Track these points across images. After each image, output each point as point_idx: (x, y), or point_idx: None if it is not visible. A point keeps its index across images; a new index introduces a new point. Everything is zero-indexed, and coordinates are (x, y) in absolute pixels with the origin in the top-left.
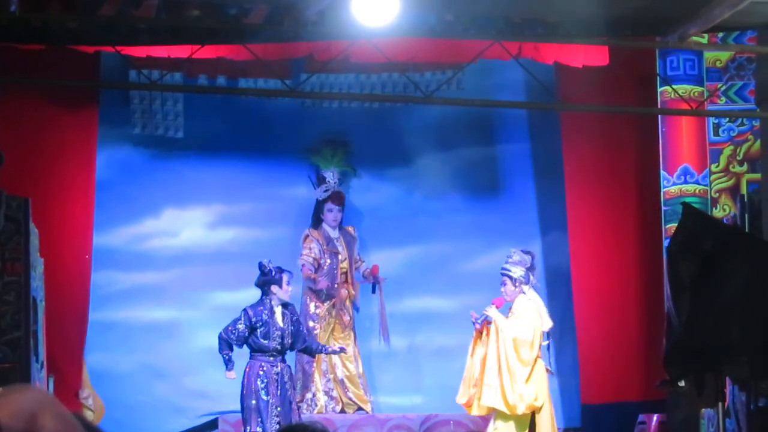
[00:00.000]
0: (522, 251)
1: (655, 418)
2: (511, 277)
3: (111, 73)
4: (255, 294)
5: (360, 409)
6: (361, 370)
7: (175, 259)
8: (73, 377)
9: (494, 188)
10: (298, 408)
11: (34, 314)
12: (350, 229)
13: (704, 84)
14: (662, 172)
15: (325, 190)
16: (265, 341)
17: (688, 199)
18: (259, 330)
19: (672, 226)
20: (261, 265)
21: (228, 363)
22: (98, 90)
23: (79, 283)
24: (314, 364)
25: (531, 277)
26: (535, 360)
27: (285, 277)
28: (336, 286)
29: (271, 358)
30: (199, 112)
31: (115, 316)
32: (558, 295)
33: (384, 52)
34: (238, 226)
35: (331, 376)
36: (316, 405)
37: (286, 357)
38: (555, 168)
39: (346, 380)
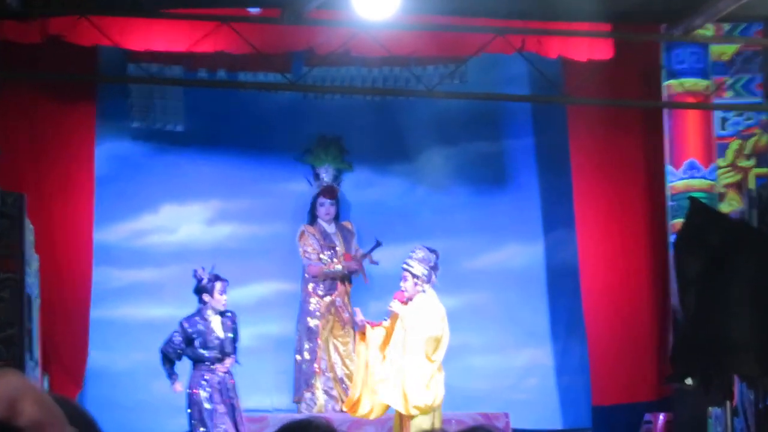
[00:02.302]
0: (427, 249)
1: (661, 417)
2: (412, 274)
3: (109, 67)
4: (250, 292)
5: None
6: None
7: (173, 255)
8: (77, 374)
9: (499, 183)
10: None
11: (29, 311)
12: (347, 224)
13: (710, 77)
14: (668, 167)
15: (318, 186)
16: (204, 351)
17: (694, 194)
18: (196, 341)
19: (678, 222)
20: (194, 273)
21: (171, 376)
22: (96, 84)
23: (81, 279)
24: (315, 364)
25: (433, 277)
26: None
27: (218, 285)
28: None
29: (213, 367)
30: (200, 106)
31: (112, 313)
32: (563, 292)
33: (385, 46)
34: (236, 222)
35: (331, 374)
36: (316, 404)
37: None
38: (560, 163)
39: (346, 378)
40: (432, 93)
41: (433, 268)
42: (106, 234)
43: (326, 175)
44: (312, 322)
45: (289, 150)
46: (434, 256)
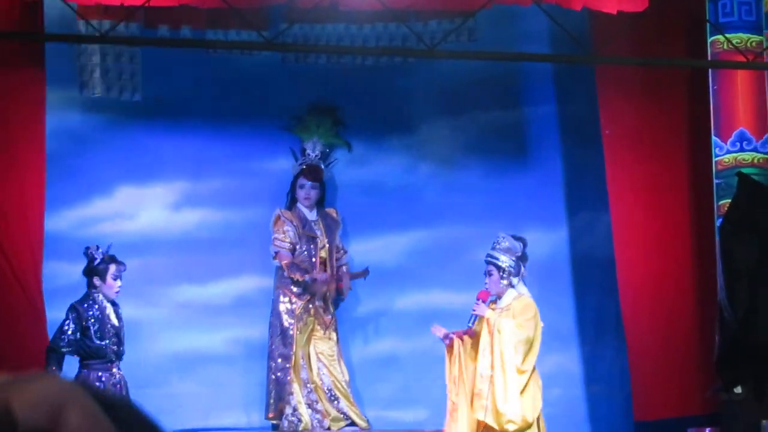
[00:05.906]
0: (513, 237)
1: (707, 431)
2: (498, 267)
3: (54, 24)
4: (224, 290)
5: (352, 424)
6: (347, 377)
7: (131, 247)
8: None
9: (516, 159)
10: None
11: None
12: (331, 211)
13: (764, 32)
14: (714, 139)
15: (300, 164)
16: (101, 342)
17: (745, 170)
18: (91, 329)
19: (725, 203)
20: (86, 251)
21: None
22: (44, 44)
23: (32, 275)
24: (290, 372)
25: (522, 269)
26: (533, 367)
27: (112, 268)
28: (314, 279)
29: (109, 364)
30: (160, 71)
31: (60, 316)
32: (590, 286)
33: None
34: (207, 207)
35: (312, 385)
36: (300, 421)
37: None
38: (587, 134)
39: (334, 388)
40: (435, 53)
41: (521, 258)
42: (53, 221)
43: (312, 152)
44: (286, 324)
45: (267, 121)
46: (521, 244)
